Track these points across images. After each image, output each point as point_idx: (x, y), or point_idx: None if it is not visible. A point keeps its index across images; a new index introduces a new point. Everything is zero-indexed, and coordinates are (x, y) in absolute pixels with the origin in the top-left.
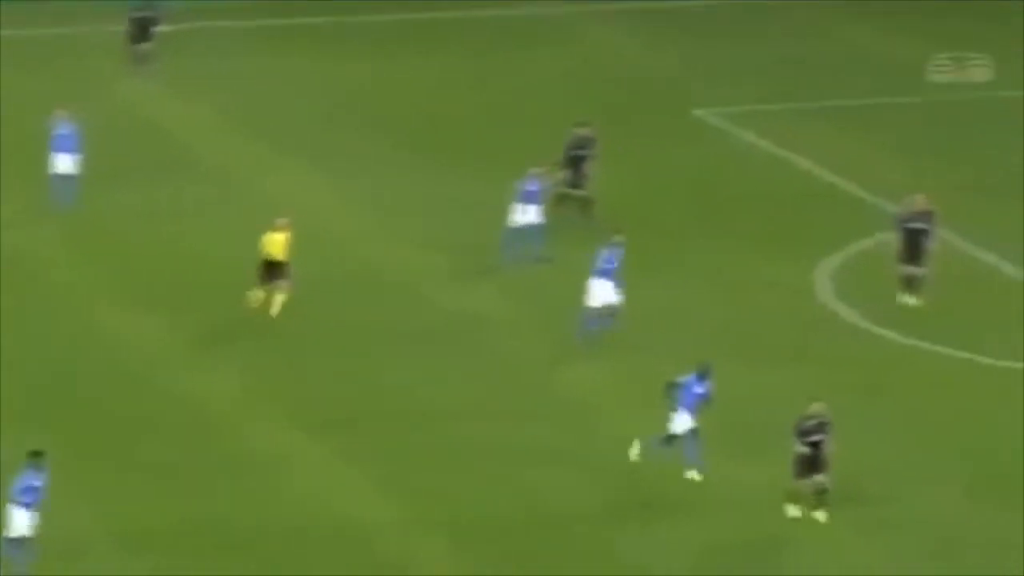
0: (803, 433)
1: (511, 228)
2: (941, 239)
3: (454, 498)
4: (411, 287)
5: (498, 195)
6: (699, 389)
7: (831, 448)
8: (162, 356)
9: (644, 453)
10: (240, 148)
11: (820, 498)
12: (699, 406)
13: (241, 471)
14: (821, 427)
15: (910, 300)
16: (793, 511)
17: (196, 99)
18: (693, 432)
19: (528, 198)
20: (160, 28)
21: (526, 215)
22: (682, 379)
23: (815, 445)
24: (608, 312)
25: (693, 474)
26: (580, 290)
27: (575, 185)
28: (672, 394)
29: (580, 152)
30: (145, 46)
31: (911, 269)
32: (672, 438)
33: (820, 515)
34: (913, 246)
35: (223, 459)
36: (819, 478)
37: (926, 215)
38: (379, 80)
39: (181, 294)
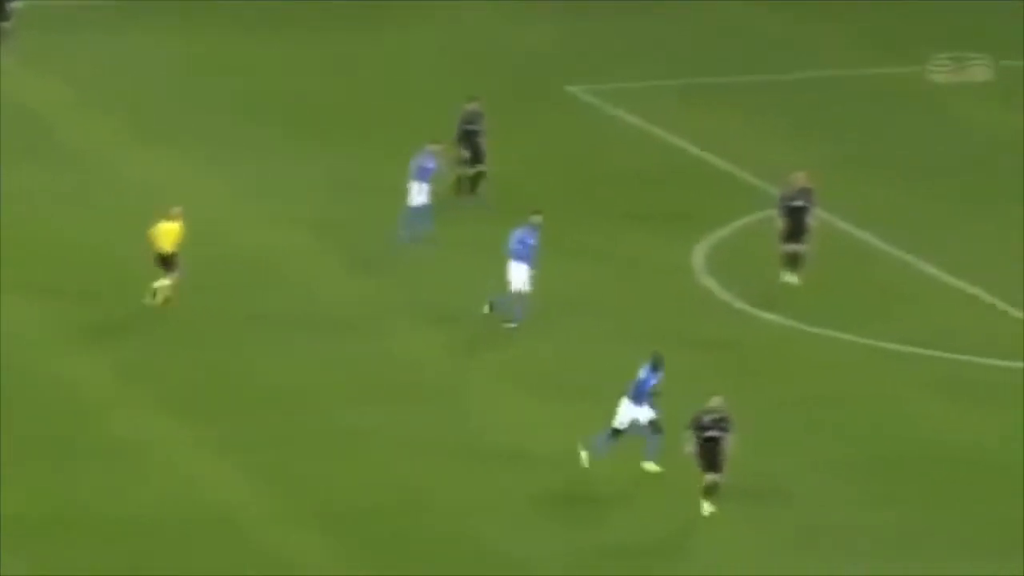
0: (700, 428)
1: (409, 208)
2: (820, 218)
3: (329, 487)
4: (292, 273)
5: (375, 175)
6: (653, 381)
7: (729, 445)
8: (33, 340)
9: (592, 456)
10: (105, 129)
11: (708, 494)
12: (652, 397)
13: (109, 459)
14: (719, 423)
15: (791, 278)
16: (703, 510)
17: (58, 78)
18: (652, 424)
19: (423, 176)
20: (18, 4)
21: (421, 194)
22: (640, 373)
23: (711, 441)
24: (514, 299)
25: (651, 466)
26: (467, 273)
27: (471, 161)
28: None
29: (471, 127)
30: (4, 24)
31: (793, 247)
32: (617, 432)
33: (704, 509)
34: (795, 224)
35: (91, 447)
36: (713, 476)
37: (806, 192)
38: (245, 59)
39: (53, 279)
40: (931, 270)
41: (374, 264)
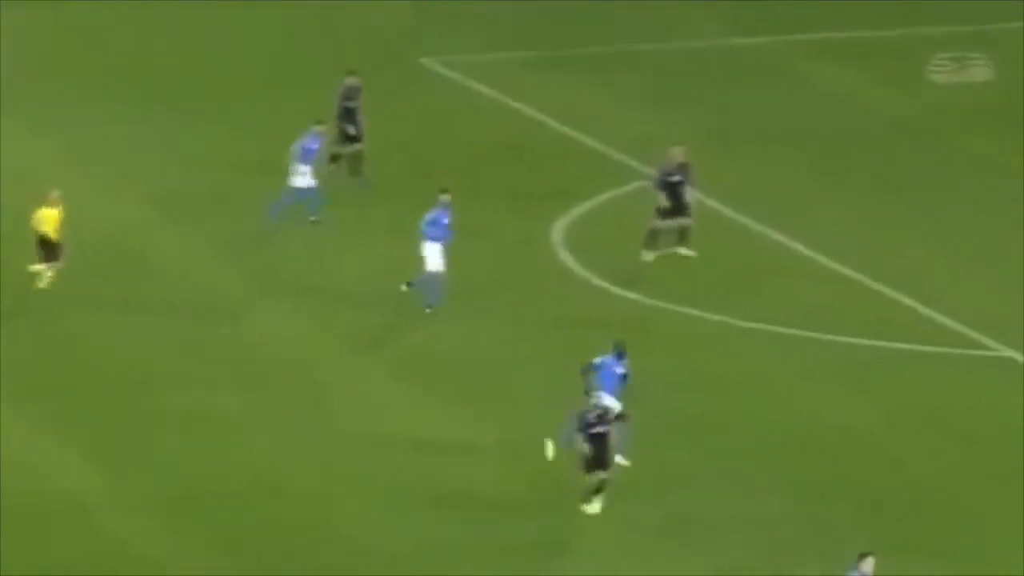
0: (586, 426)
1: (293, 189)
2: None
3: (181, 472)
4: (158, 255)
5: (232, 151)
6: (619, 369)
7: (617, 439)
8: None
9: (559, 448)
10: None
11: (597, 492)
12: (621, 387)
13: None
14: (603, 417)
15: (684, 251)
16: (591, 508)
17: None
18: (620, 416)
19: (307, 157)
20: None
21: (306, 176)
22: (599, 360)
23: (599, 437)
24: (431, 280)
25: (620, 459)
26: (334, 254)
27: (352, 138)
28: (589, 376)
29: (351, 103)
30: None
31: (676, 222)
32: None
33: (592, 507)
34: (675, 199)
35: None
36: (601, 474)
37: (684, 167)
38: (108, 31)
39: None
40: (798, 248)
41: (243, 245)
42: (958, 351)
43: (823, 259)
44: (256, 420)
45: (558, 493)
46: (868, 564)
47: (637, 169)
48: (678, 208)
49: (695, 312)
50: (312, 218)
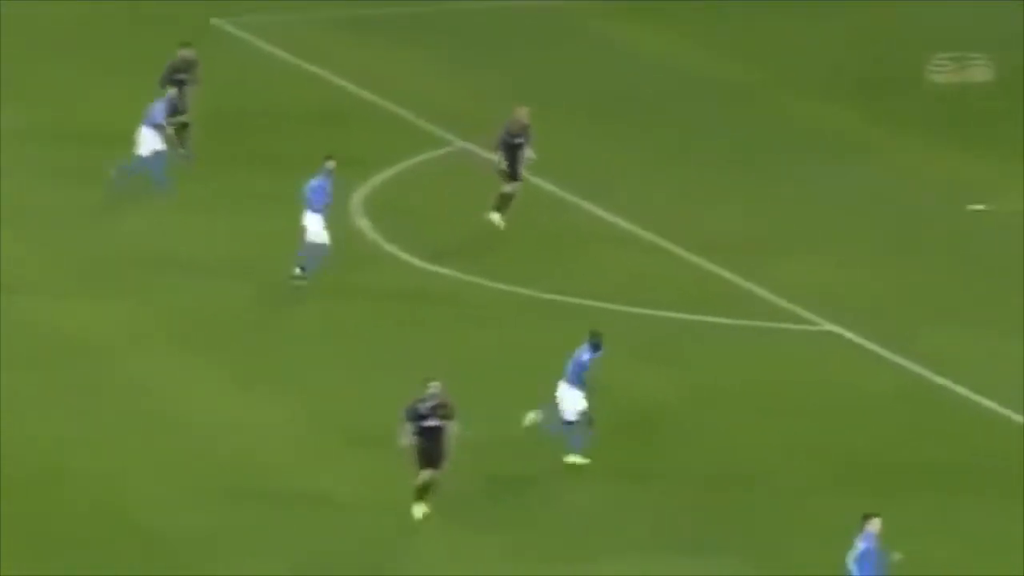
0: (418, 417)
1: (138, 157)
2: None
3: None
4: None
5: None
6: (587, 360)
7: (452, 434)
8: None
9: (534, 425)
10: None
11: (424, 491)
12: (588, 378)
13: None
14: (438, 410)
15: (495, 217)
16: (416, 509)
17: None
18: (583, 413)
19: (154, 122)
20: None
21: (153, 142)
22: (575, 352)
23: (431, 431)
24: (313, 250)
25: (576, 459)
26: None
27: (178, 111)
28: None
29: (182, 76)
30: None
31: (510, 187)
32: (570, 424)
33: (417, 509)
34: (512, 162)
35: None
36: (430, 473)
37: (527, 130)
38: None
39: None
40: (609, 217)
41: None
42: (778, 325)
43: (636, 230)
44: (49, 402)
45: (363, 477)
46: (874, 525)
47: (440, 135)
48: (513, 173)
49: (501, 286)
50: (159, 188)
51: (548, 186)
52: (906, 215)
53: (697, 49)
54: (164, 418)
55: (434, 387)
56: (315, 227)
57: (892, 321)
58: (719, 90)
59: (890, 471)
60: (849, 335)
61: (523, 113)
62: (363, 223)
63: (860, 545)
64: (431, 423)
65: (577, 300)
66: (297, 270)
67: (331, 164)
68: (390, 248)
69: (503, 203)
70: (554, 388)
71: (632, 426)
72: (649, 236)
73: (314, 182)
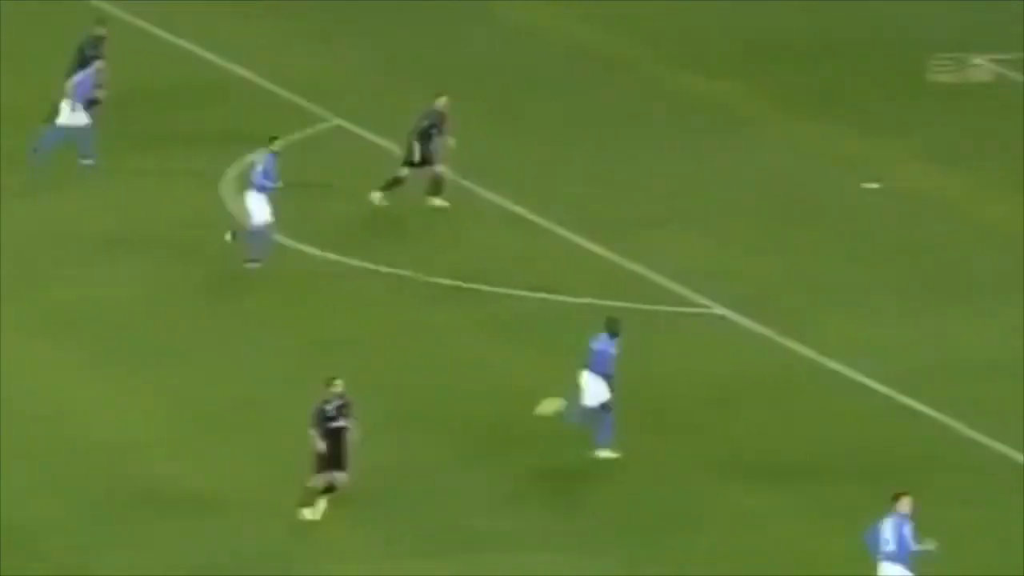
0: (324, 419)
1: (56, 127)
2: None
3: None
4: None
5: None
6: (612, 350)
7: (355, 436)
8: None
9: (558, 414)
10: None
11: (322, 494)
12: (613, 369)
13: None
14: (342, 410)
15: (437, 202)
16: (310, 513)
17: None
18: (605, 404)
19: (80, 94)
20: None
21: (75, 114)
22: (593, 342)
23: (337, 432)
24: (259, 232)
25: (608, 453)
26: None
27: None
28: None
29: (93, 52)
30: None
31: (425, 171)
32: (593, 412)
33: (313, 512)
34: (425, 149)
35: None
36: (335, 475)
37: (443, 118)
38: None
39: None
40: (485, 195)
41: None
42: (664, 308)
43: (512, 208)
44: None
45: (237, 469)
46: (905, 505)
47: (311, 110)
48: (426, 158)
49: (379, 268)
50: (84, 161)
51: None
52: (797, 193)
53: (581, 22)
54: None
55: (338, 386)
56: (260, 208)
57: (781, 303)
58: (603, 65)
59: (778, 457)
60: (736, 317)
61: (442, 103)
62: (234, 202)
63: (889, 525)
64: (338, 424)
65: (450, 282)
66: (249, 257)
67: (278, 144)
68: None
69: (391, 185)
70: (441, 372)
71: (512, 414)
72: (526, 214)
73: (259, 163)
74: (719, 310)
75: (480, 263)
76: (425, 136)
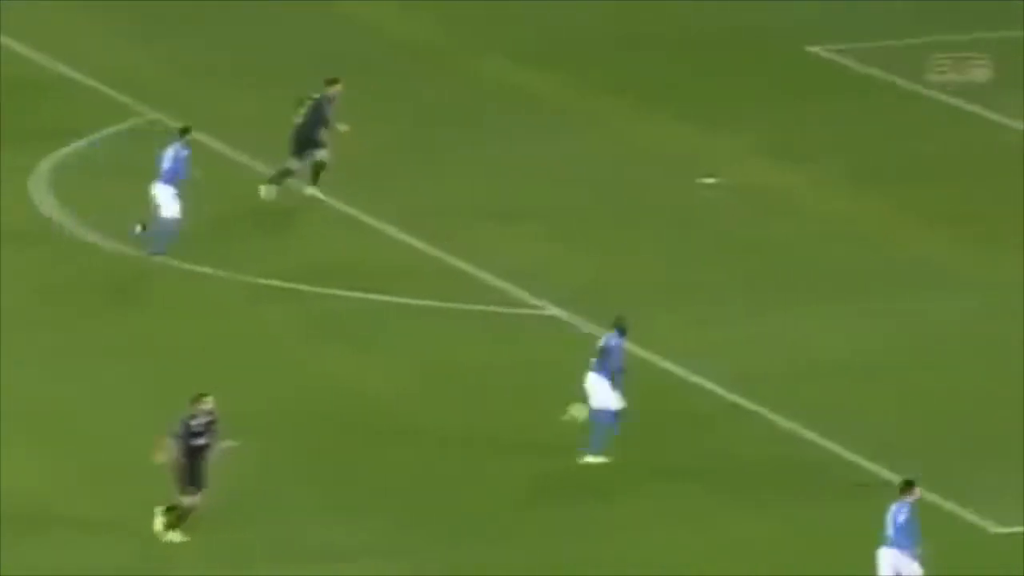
0: (190, 435)
1: None
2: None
3: None
4: None
5: None
6: (623, 346)
7: (215, 453)
8: None
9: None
10: None
11: (182, 515)
12: (624, 364)
13: None
14: (210, 427)
15: (311, 191)
16: (174, 535)
17: None
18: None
19: None
20: None
21: None
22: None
23: (200, 449)
24: (166, 225)
25: (597, 459)
26: None
27: None
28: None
29: None
30: None
31: (318, 155)
32: (616, 414)
33: (172, 534)
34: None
35: None
36: (196, 495)
37: (331, 102)
38: None
39: None
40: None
41: None
42: (490, 308)
43: (337, 204)
44: None
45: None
46: (915, 494)
47: (125, 104)
48: (316, 142)
49: (198, 268)
50: None
51: (239, 155)
52: (630, 188)
53: (402, 12)
54: None
55: (208, 403)
56: (168, 201)
57: (613, 301)
58: (434, 61)
59: (614, 466)
60: (565, 316)
61: (333, 90)
62: (48, 199)
63: (901, 515)
64: (203, 441)
65: (273, 282)
66: (154, 250)
67: (188, 135)
68: (74, 227)
69: (279, 178)
70: (265, 375)
71: (334, 417)
72: (351, 211)
73: (170, 154)
74: (551, 310)
75: (307, 263)
76: (317, 124)
